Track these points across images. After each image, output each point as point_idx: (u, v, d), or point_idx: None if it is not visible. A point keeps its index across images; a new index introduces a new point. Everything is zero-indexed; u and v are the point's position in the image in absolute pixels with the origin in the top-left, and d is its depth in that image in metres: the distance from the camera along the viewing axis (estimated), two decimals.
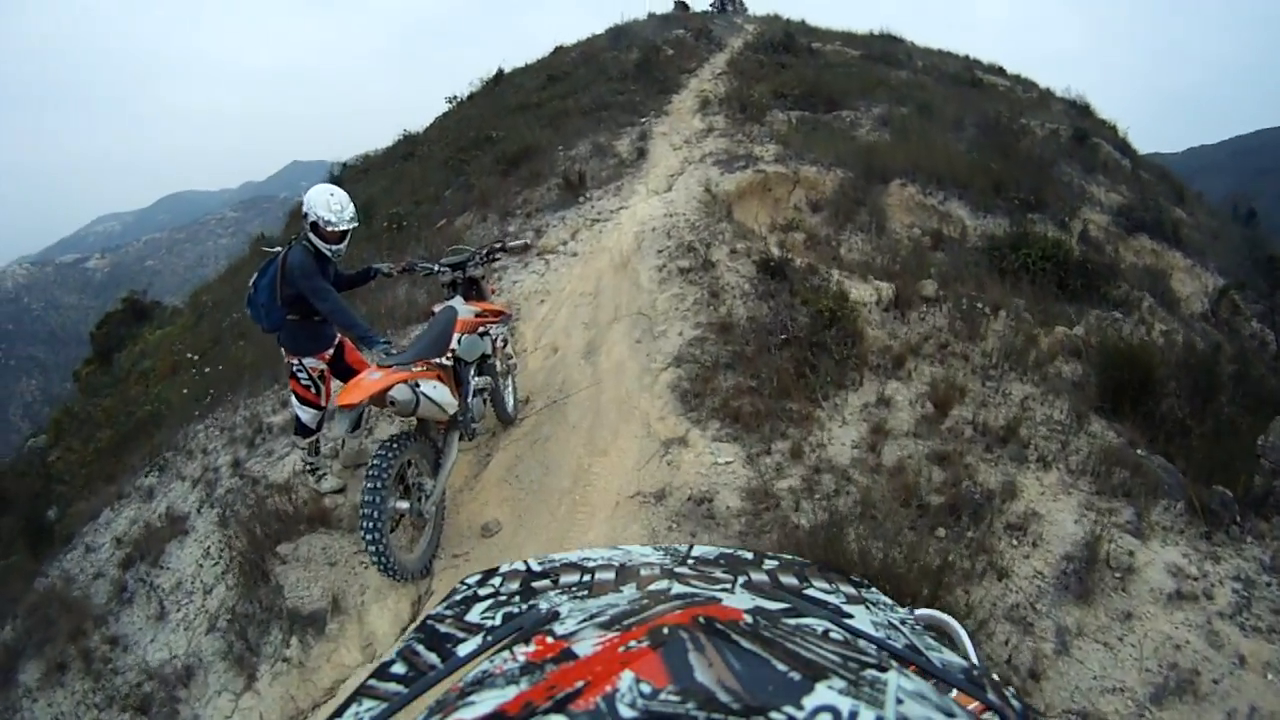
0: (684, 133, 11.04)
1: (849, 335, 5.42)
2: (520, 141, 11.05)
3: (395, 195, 11.62)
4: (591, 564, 0.90)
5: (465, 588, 0.92)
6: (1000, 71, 17.79)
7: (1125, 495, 3.98)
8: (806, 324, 5.50)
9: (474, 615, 0.82)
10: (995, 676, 0.79)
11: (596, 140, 10.92)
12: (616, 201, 8.91)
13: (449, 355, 4.05)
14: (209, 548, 4.58)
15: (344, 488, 4.70)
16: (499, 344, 4.71)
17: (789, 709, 0.42)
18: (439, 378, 3.86)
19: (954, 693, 0.62)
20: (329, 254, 4.19)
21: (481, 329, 4.47)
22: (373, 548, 3.47)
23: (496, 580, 0.92)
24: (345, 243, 4.20)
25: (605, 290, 6.74)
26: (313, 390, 4.47)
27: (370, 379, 3.54)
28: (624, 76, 14.36)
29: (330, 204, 4.14)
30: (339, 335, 4.47)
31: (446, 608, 0.87)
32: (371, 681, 0.74)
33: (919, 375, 5.16)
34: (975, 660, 0.99)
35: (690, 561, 0.90)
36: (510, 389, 5.09)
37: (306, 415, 4.52)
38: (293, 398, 4.51)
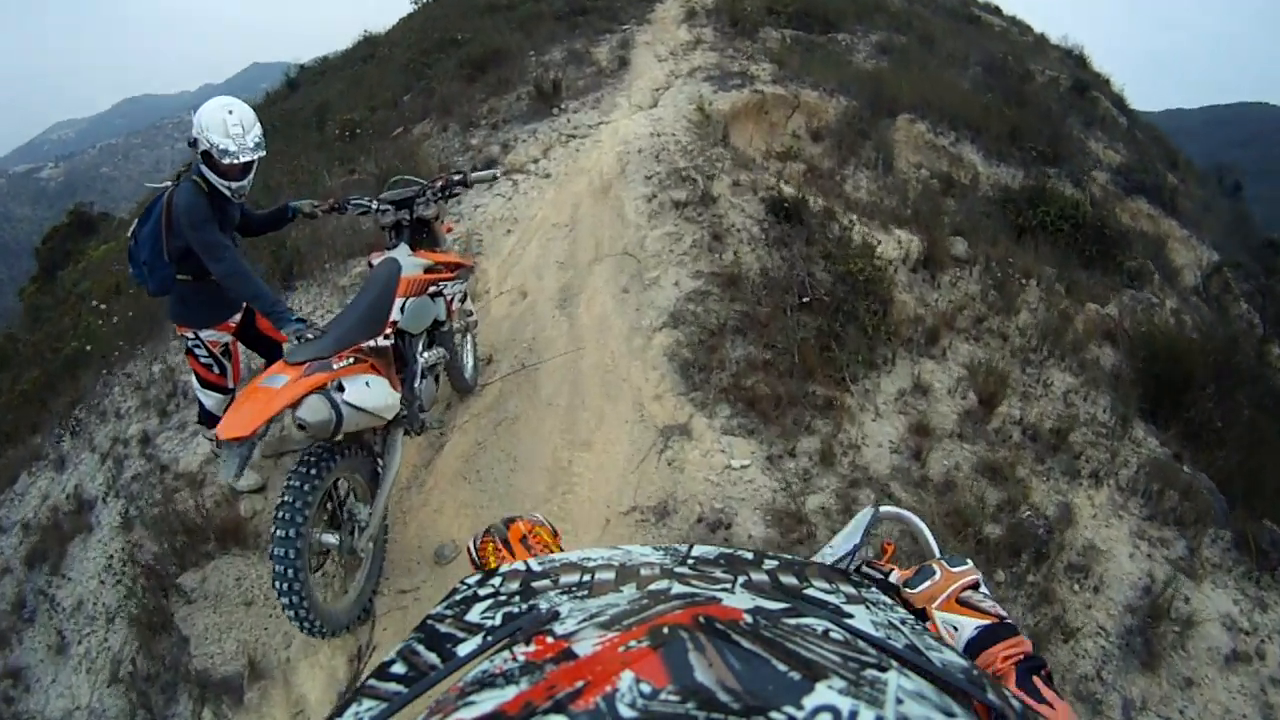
0: (669, 44, 9.88)
1: (879, 301, 4.69)
2: (487, 44, 9.91)
3: (351, 100, 10.53)
4: (591, 564, 0.83)
5: (465, 588, 0.83)
6: (996, 11, 16.69)
7: (1176, 524, 3.71)
8: (829, 283, 4.69)
9: (474, 615, 0.74)
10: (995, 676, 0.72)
11: (572, 47, 9.65)
12: (595, 115, 7.59)
13: (388, 332, 3.04)
14: (111, 557, 3.87)
15: (264, 486, 3.80)
16: (455, 303, 3.66)
17: (789, 709, 0.39)
18: (372, 368, 2.86)
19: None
20: (228, 192, 3.18)
21: (433, 288, 3.40)
22: (287, 600, 2.58)
23: (496, 580, 0.83)
24: (250, 177, 3.20)
25: (583, 221, 5.64)
26: (216, 370, 3.53)
27: (266, 389, 2.56)
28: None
29: (228, 126, 3.09)
30: None
31: (446, 608, 0.78)
32: (371, 681, 0.62)
33: (955, 354, 4.61)
34: (936, 551, 1.01)
35: (690, 561, 0.83)
36: (469, 350, 4.16)
37: (211, 401, 3.58)
38: (193, 379, 3.55)
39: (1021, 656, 0.75)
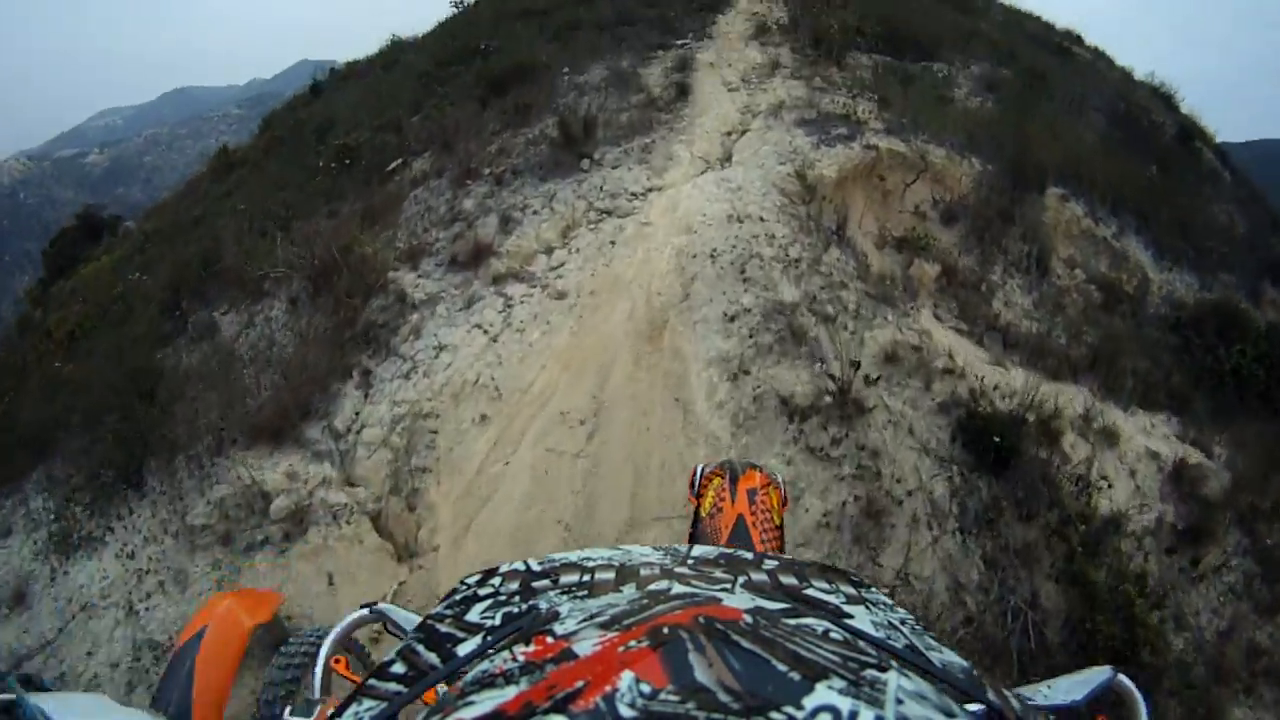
0: (739, 67, 7.22)
1: (1135, 644, 2.62)
2: (512, 57, 7.54)
3: (360, 115, 8.45)
4: (591, 564, 0.77)
5: (465, 588, 0.76)
6: (1079, 40, 13.79)
7: None
8: (1060, 609, 2.61)
9: (474, 615, 0.69)
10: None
11: (616, 65, 7.00)
12: (643, 175, 5.15)
13: None
14: None
15: None
16: None
17: (789, 709, 0.37)
18: None
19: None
20: None
21: None
22: None
23: (496, 580, 0.77)
24: None
25: (615, 413, 3.22)
26: None
27: None
28: None
29: None
30: None
31: (446, 608, 0.72)
32: (371, 681, 0.60)
33: None
34: None
35: (690, 561, 0.77)
36: None
37: None
38: None
39: None
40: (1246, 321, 5.38)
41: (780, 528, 1.43)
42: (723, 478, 1.30)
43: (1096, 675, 0.90)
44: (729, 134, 5.44)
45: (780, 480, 1.23)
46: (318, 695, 0.88)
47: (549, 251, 4.20)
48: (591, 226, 4.34)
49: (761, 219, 4.26)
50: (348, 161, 6.62)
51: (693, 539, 1.37)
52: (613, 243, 4.20)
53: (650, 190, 4.71)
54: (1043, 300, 5.13)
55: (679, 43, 7.71)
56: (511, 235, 4.23)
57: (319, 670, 0.94)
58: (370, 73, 10.90)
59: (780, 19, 8.33)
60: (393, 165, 6.19)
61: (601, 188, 4.72)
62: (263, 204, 6.53)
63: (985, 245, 5.26)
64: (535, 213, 4.58)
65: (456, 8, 12.60)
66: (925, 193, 5.47)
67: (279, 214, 6.22)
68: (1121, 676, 0.91)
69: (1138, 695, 0.90)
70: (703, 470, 1.34)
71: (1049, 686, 0.88)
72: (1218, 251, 6.23)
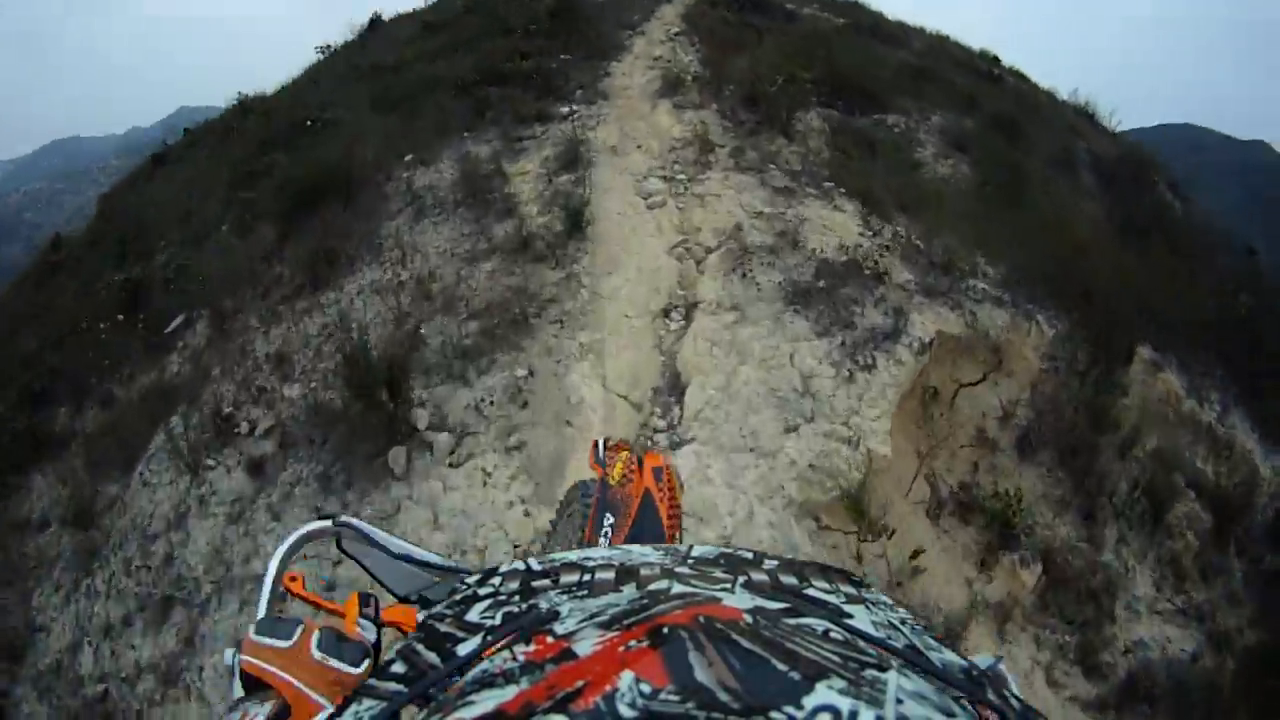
0: (651, 147, 4.92)
1: None
2: (323, 156, 5.41)
3: (177, 213, 6.60)
4: (591, 564, 0.70)
5: (465, 588, 0.70)
6: (995, 61, 11.77)
7: None
8: None
9: (474, 615, 0.62)
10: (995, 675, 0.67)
11: (474, 153, 4.79)
12: (505, 491, 2.57)
13: None
14: None
15: None
16: None
17: (789, 709, 0.34)
18: None
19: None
20: None
21: None
22: None
23: (496, 580, 0.69)
24: None
25: None
26: None
27: None
28: (532, 30, 7.60)
29: None
30: None
31: (446, 607, 0.66)
32: (371, 681, 0.54)
33: None
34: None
35: (690, 561, 0.70)
36: None
37: None
38: None
39: None
40: None
41: (679, 508, 1.43)
42: (629, 453, 1.27)
43: (980, 663, 0.80)
44: (665, 326, 3.67)
45: (678, 472, 1.31)
46: (262, 613, 0.76)
47: None
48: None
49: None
50: (135, 294, 5.37)
51: (600, 505, 1.29)
52: None
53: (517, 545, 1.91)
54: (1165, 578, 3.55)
55: (564, 109, 6.02)
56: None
57: (268, 585, 0.80)
58: (208, 144, 9.11)
59: (692, 67, 6.73)
60: (173, 325, 4.92)
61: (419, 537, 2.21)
62: (40, 357, 5.47)
63: (1084, 487, 3.53)
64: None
65: (322, 53, 10.98)
66: (994, 402, 2.86)
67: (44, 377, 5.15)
68: (1000, 665, 0.84)
69: (1010, 680, 0.84)
70: (605, 442, 1.34)
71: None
72: None
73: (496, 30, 8.29)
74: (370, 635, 0.71)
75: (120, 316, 5.59)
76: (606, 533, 1.22)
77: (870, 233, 4.20)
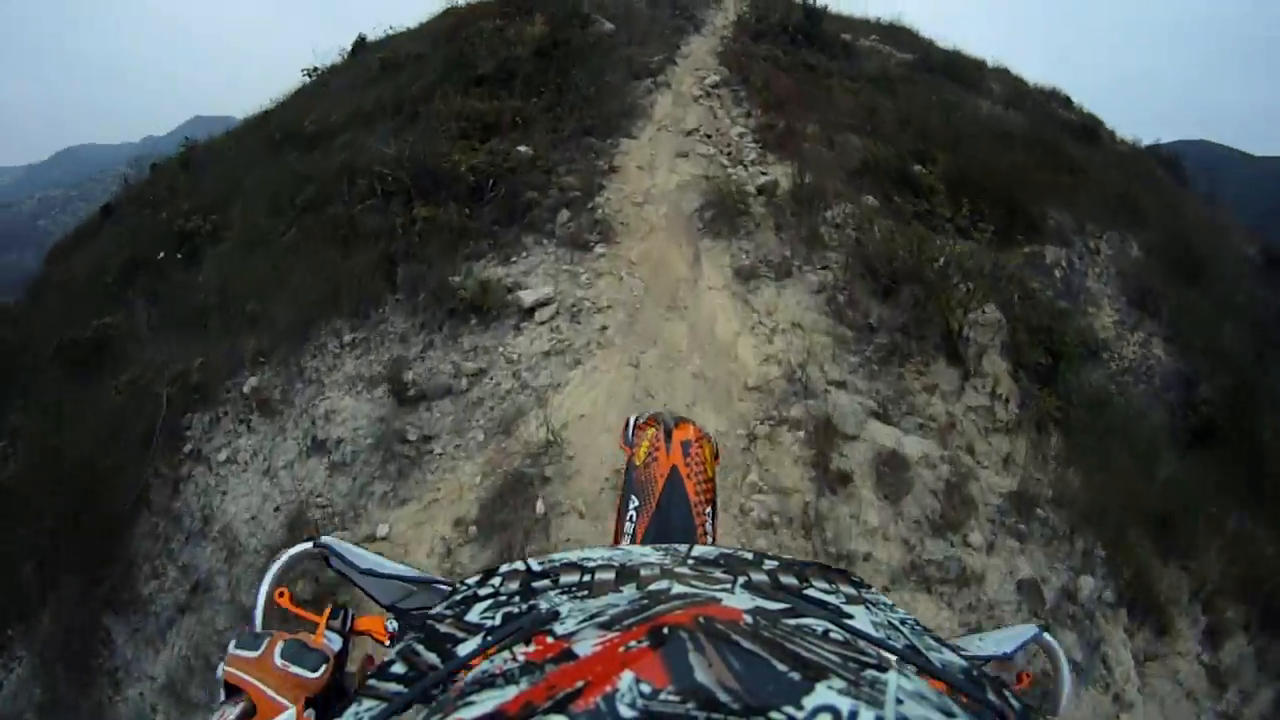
0: (713, 368, 2.83)
1: None
2: (99, 333, 4.99)
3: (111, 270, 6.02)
4: (591, 564, 0.73)
5: (465, 588, 0.75)
6: (1070, 103, 10.21)
7: None
8: None
9: (474, 615, 0.65)
10: (995, 676, 0.65)
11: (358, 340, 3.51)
12: None
13: None
14: None
15: None
16: None
17: (789, 709, 0.35)
18: None
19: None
20: None
21: None
22: None
23: (496, 580, 0.73)
24: None
25: None
26: None
27: None
28: (508, 74, 5.49)
29: None
30: None
31: (446, 608, 0.70)
32: (371, 681, 0.57)
33: None
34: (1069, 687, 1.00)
35: (690, 561, 0.73)
36: None
37: None
38: None
39: None
40: None
41: (712, 481, 1.41)
42: (656, 428, 1.21)
43: (1024, 631, 0.94)
44: None
45: (711, 436, 1.25)
46: (258, 629, 0.84)
47: None
48: None
49: None
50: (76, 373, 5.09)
51: (626, 488, 1.33)
52: None
53: None
54: None
55: (525, 299, 4.04)
56: None
57: (260, 603, 0.88)
58: (151, 198, 8.50)
59: (751, 160, 4.78)
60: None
61: None
62: None
63: None
64: None
65: (310, 75, 10.54)
66: None
67: None
68: (1046, 635, 0.96)
69: (1059, 650, 0.95)
70: (635, 420, 1.28)
71: (980, 639, 0.94)
72: None
73: (461, 77, 6.07)
74: (335, 645, 0.76)
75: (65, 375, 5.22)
76: (632, 517, 1.18)
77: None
